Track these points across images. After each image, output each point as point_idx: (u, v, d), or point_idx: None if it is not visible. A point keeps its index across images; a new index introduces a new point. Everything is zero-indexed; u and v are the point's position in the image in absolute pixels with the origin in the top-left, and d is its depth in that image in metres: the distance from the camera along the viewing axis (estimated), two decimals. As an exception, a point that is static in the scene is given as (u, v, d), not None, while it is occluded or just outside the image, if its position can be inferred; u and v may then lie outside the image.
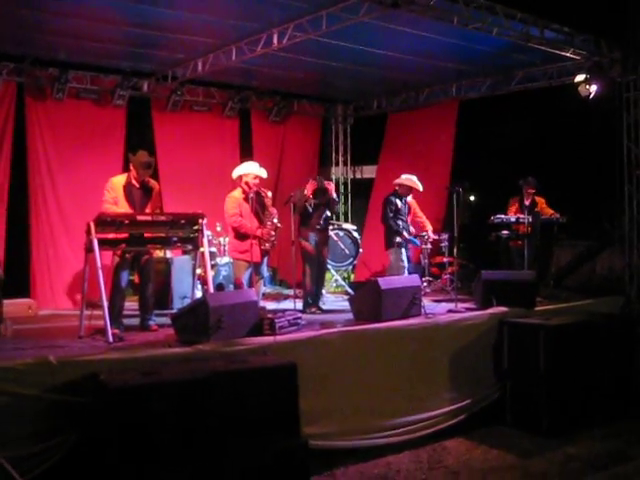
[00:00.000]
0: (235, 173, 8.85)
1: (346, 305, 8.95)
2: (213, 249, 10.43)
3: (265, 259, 8.97)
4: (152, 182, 8.20)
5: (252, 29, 9.42)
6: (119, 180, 7.95)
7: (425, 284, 10.86)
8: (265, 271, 9.46)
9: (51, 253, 10.76)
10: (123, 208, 7.75)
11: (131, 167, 7.96)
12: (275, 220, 8.80)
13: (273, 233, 8.73)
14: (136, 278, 8.37)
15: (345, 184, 15.11)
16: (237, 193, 8.73)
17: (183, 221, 7.68)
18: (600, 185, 10.79)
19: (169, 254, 10.43)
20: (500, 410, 8.01)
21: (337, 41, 9.65)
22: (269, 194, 8.92)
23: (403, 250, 10.26)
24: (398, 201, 10.36)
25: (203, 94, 12.40)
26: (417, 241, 10.79)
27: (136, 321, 8.02)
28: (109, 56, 10.59)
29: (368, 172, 14.99)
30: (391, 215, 10.25)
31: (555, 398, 7.71)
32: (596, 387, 8.06)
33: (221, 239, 10.86)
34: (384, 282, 8.06)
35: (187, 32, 9.47)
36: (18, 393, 5.19)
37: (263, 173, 8.83)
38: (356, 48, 10.07)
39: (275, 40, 9.37)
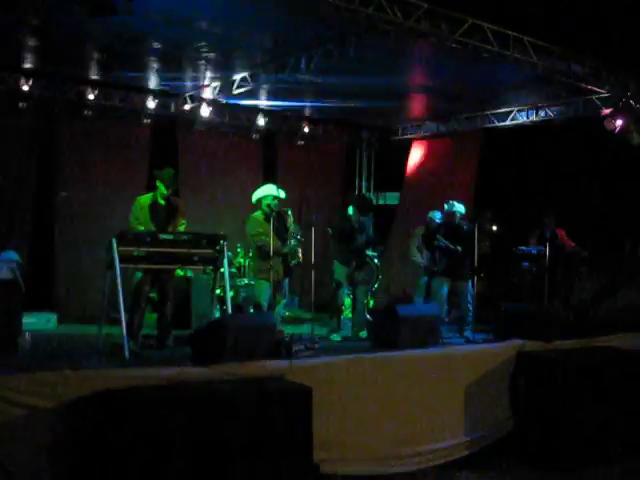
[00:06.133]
0: (254, 197, 8.92)
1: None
2: (233, 270, 10.45)
3: (287, 280, 8.98)
4: (178, 201, 8.27)
5: (279, 53, 9.50)
6: (145, 200, 8.01)
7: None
8: (287, 292, 9.44)
9: (73, 268, 10.88)
10: (148, 227, 7.82)
11: (158, 183, 8.02)
12: (299, 237, 8.86)
13: (299, 249, 8.77)
14: (156, 296, 8.40)
15: (368, 210, 15.06)
16: (258, 214, 8.78)
17: (205, 241, 7.71)
18: (623, 218, 10.72)
19: (190, 273, 10.46)
20: (515, 443, 7.86)
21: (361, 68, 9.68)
22: (289, 212, 8.97)
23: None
24: None
25: (229, 115, 12.50)
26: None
27: (154, 338, 8.04)
28: (138, 75, 10.68)
29: (392, 199, 14.97)
30: None
31: (572, 433, 7.58)
32: (615, 423, 7.89)
33: (241, 260, 10.88)
34: (402, 309, 7.98)
35: (215, 53, 9.55)
36: (33, 405, 5.21)
37: (281, 194, 8.87)
38: (381, 75, 10.11)
39: (302, 65, 9.45)
